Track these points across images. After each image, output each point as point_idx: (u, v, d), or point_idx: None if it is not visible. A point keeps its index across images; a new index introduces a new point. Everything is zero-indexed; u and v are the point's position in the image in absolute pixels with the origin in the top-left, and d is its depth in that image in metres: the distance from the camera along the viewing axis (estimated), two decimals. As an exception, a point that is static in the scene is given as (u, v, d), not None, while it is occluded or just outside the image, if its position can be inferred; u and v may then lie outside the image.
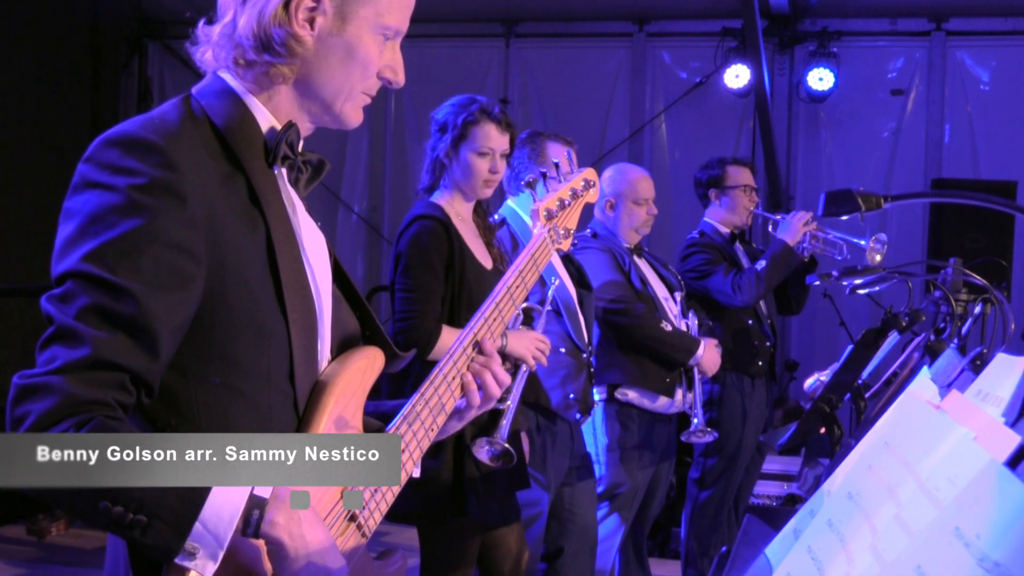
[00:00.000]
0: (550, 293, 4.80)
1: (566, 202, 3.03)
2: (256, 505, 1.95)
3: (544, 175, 3.08)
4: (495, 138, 4.55)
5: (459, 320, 4.41)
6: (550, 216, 2.97)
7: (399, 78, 2.33)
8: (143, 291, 1.94)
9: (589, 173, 3.17)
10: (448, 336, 4.35)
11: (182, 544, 1.89)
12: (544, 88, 10.99)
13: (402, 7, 2.28)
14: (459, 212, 4.57)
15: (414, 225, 4.44)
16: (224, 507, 1.91)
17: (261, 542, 2.01)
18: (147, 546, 1.89)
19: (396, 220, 10.49)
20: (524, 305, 4.47)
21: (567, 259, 5.45)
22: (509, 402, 4.36)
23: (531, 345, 4.42)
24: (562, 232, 2.99)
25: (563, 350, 5.26)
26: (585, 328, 5.35)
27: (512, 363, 4.45)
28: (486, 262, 4.57)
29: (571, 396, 5.24)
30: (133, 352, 1.94)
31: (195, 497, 1.90)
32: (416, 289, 4.36)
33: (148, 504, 1.87)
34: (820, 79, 10.20)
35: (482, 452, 4.28)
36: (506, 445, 4.21)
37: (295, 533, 2.00)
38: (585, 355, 5.32)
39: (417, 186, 4.70)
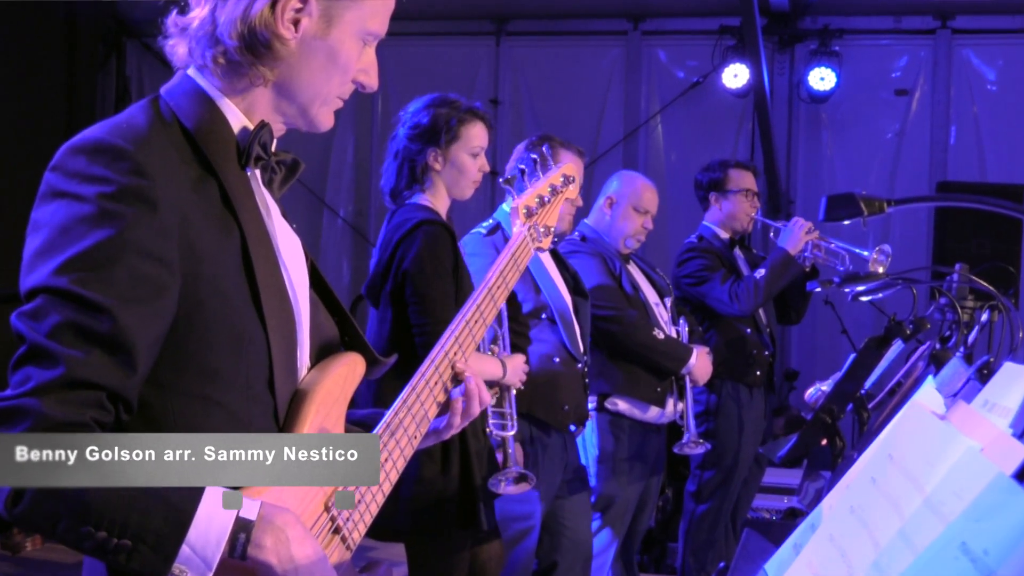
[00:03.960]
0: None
1: (546, 199, 3.02)
2: (242, 528, 1.95)
3: (523, 171, 3.07)
4: (484, 137, 4.61)
5: None
6: (529, 214, 2.96)
7: (373, 82, 2.34)
8: (117, 305, 1.93)
9: (568, 168, 3.16)
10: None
11: (168, 568, 1.89)
12: (536, 88, 10.98)
13: (385, 12, 2.30)
14: (443, 214, 4.58)
15: (420, 231, 4.38)
16: (211, 529, 1.92)
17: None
18: (133, 571, 1.90)
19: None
20: None
21: (563, 266, 5.47)
22: (514, 430, 4.45)
23: (519, 371, 4.55)
24: (542, 230, 2.98)
25: (557, 359, 5.26)
26: (580, 337, 5.35)
27: (499, 387, 4.50)
28: None
29: (565, 407, 5.25)
30: (109, 369, 1.93)
31: (180, 519, 1.90)
32: (435, 300, 4.32)
33: (132, 527, 1.87)
34: (821, 79, 10.20)
35: (500, 487, 4.35)
36: (522, 470, 4.26)
37: (283, 555, 1.99)
38: (580, 365, 5.34)
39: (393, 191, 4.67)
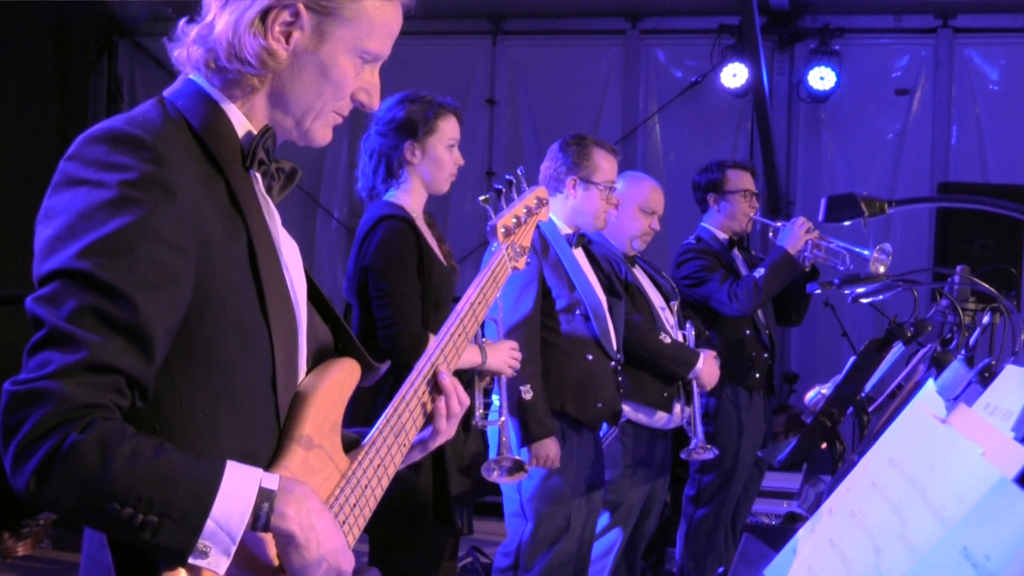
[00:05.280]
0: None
1: (522, 219, 3.10)
2: (265, 498, 2.00)
3: (499, 192, 3.12)
4: (457, 131, 4.69)
5: (427, 321, 4.48)
6: (508, 233, 3.02)
7: (373, 102, 2.38)
8: (136, 291, 1.96)
9: (541, 191, 3.24)
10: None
11: (195, 543, 1.93)
12: (532, 88, 10.98)
13: (385, 33, 2.33)
14: (416, 211, 4.63)
15: (380, 227, 4.48)
16: (234, 502, 1.96)
17: (271, 541, 2.06)
18: (159, 547, 1.93)
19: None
20: None
21: (597, 267, 5.59)
22: (503, 417, 4.48)
23: (506, 357, 4.58)
24: (518, 249, 3.05)
25: (591, 356, 5.32)
26: (614, 336, 5.43)
27: (491, 376, 4.54)
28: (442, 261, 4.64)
29: (598, 404, 5.30)
30: (128, 354, 1.96)
31: (205, 494, 1.95)
32: (397, 293, 4.40)
33: (158, 504, 1.91)
34: (821, 78, 10.20)
35: (493, 475, 4.39)
36: (516, 457, 4.30)
37: (305, 524, 2.05)
38: (613, 363, 5.41)
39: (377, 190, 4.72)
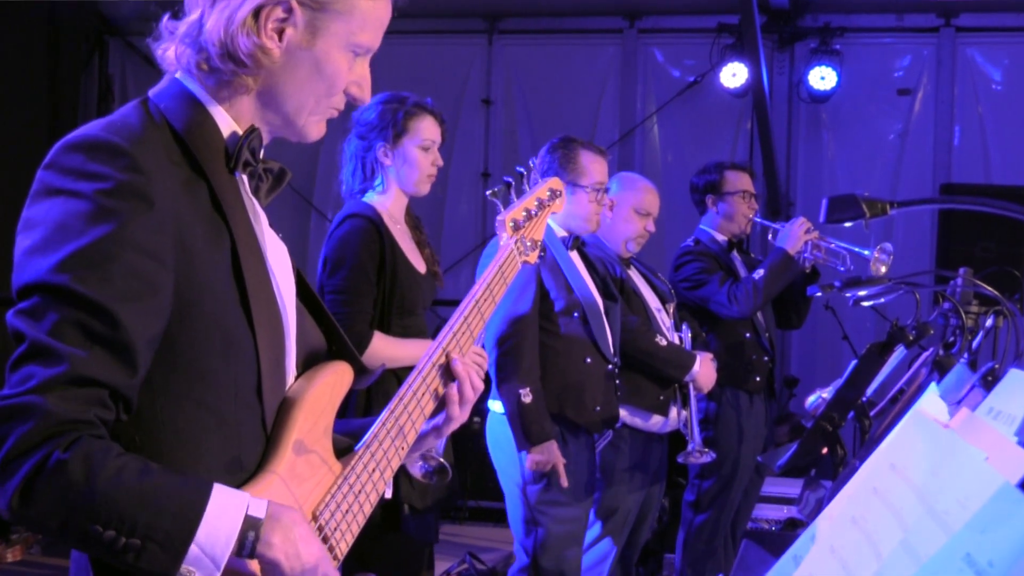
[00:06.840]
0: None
1: (533, 212, 3.07)
2: (251, 526, 1.98)
3: (509, 185, 3.11)
4: (434, 131, 4.69)
5: (388, 324, 4.51)
6: (516, 227, 3.00)
7: (365, 95, 2.36)
8: (116, 302, 1.95)
9: (554, 183, 3.21)
10: (380, 343, 4.40)
11: (178, 567, 1.92)
12: (529, 88, 10.98)
13: (376, 25, 2.31)
14: (392, 213, 4.66)
15: (344, 225, 4.54)
16: (220, 528, 1.95)
17: (254, 561, 2.04)
18: (141, 571, 1.92)
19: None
20: None
21: (593, 269, 5.62)
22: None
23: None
24: (529, 243, 3.02)
25: (588, 359, 5.34)
26: (611, 339, 5.45)
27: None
28: (419, 266, 4.66)
29: (596, 408, 5.32)
30: (111, 367, 1.95)
31: (190, 518, 1.93)
32: (346, 291, 4.46)
33: (141, 527, 1.90)
34: (822, 78, 10.20)
35: (415, 467, 4.34)
36: (441, 460, 4.27)
37: (291, 553, 2.03)
38: (610, 366, 5.42)
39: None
